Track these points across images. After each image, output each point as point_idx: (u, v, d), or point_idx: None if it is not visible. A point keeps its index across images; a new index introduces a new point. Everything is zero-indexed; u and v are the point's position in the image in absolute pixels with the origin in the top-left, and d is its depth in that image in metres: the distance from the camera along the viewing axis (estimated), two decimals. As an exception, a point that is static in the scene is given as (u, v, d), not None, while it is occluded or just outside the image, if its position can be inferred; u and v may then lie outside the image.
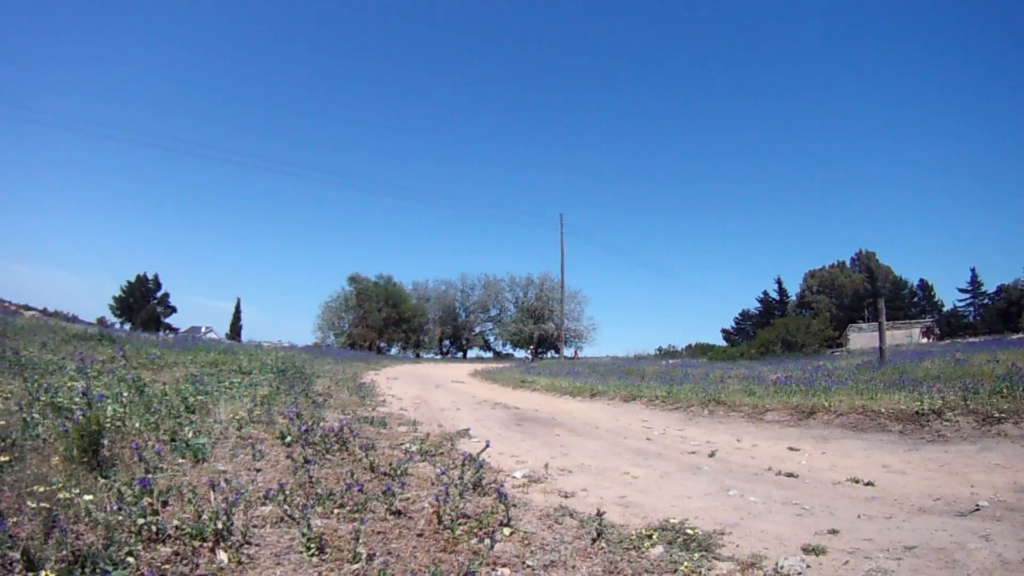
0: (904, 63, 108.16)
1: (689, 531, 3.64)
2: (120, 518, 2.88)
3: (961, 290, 69.24)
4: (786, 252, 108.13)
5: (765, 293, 77.42)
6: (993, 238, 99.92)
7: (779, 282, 76.63)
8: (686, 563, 3.12)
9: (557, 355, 44.98)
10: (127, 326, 52.56)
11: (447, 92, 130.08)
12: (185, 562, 2.70)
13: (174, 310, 65.98)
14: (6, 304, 37.47)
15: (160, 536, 2.87)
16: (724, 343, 58.28)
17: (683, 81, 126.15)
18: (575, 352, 48.12)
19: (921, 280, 71.06)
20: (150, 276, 64.29)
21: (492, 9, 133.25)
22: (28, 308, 39.37)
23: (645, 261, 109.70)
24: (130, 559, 2.58)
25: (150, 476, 3.34)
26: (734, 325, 77.13)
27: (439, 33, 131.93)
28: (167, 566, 2.63)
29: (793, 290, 75.26)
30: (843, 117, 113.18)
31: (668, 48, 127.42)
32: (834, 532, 3.73)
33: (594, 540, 3.44)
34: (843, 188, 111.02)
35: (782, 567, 3.10)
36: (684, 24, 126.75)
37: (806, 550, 3.39)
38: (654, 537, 3.50)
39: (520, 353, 51.83)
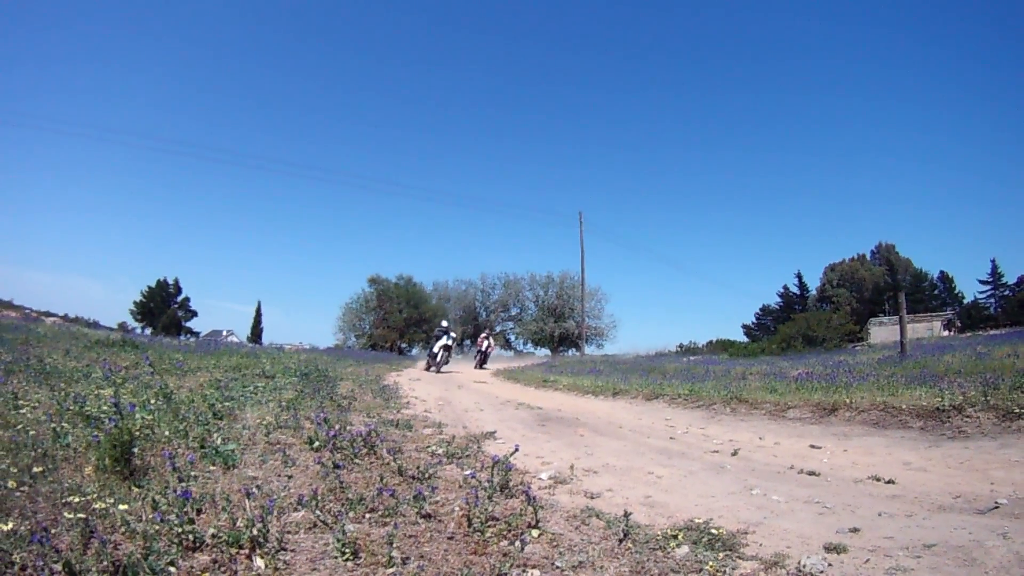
0: (922, 55, 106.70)
1: (714, 531, 3.68)
2: (157, 527, 2.95)
3: (982, 282, 68.43)
4: (806, 246, 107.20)
5: (785, 288, 76.90)
6: (1013, 229, 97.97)
7: (799, 276, 76.15)
8: (711, 563, 3.16)
9: (578, 353, 44.85)
10: (148, 331, 53.07)
11: (465, 92, 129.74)
12: (223, 569, 2.77)
13: (195, 314, 66.37)
14: (27, 311, 38.20)
15: (197, 544, 2.94)
16: (745, 339, 57.86)
17: (701, 77, 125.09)
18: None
19: (941, 272, 70.25)
20: (170, 280, 64.68)
21: (509, 6, 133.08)
22: (49, 314, 40.10)
23: (665, 257, 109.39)
24: (171, 568, 2.64)
25: (184, 484, 3.43)
26: (755, 320, 76.62)
27: (455, 31, 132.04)
28: (206, 574, 2.71)
29: (813, 284, 74.82)
30: (862, 110, 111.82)
31: (686, 44, 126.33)
32: (855, 530, 3.75)
33: (621, 541, 3.48)
34: (862, 181, 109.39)
35: (804, 565, 3.13)
36: (701, 19, 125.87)
37: (828, 548, 3.42)
38: (680, 537, 3.55)
39: (541, 352, 51.66)
